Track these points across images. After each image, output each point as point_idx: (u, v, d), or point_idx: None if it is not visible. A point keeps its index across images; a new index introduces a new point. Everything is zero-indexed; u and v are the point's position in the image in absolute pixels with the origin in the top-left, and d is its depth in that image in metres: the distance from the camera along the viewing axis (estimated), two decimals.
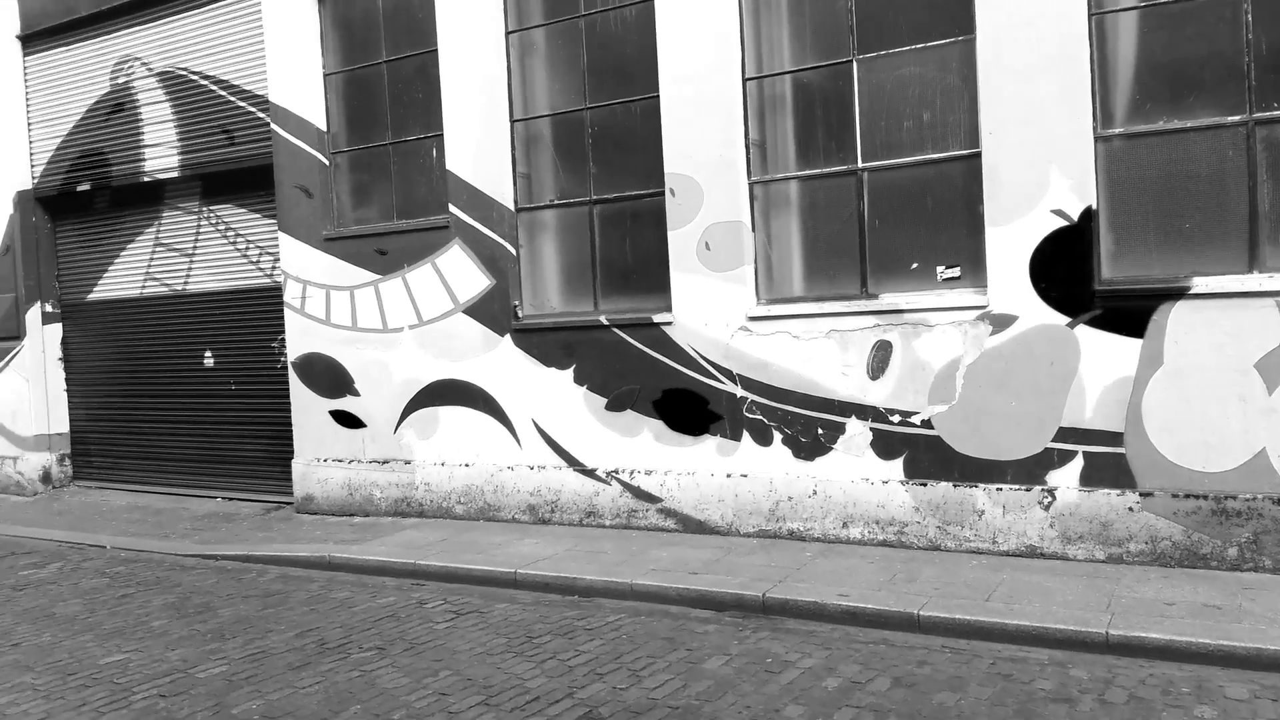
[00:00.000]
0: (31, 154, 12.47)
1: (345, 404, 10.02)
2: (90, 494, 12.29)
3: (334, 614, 6.82)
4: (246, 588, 7.71)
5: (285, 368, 10.82)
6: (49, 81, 12.25)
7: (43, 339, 12.59)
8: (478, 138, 9.07)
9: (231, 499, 11.33)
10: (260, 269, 10.98)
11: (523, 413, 9.00)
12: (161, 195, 11.62)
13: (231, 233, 11.16)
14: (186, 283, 11.56)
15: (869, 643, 5.62)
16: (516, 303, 9.03)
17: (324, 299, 10.06)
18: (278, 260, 10.78)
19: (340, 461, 10.07)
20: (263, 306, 10.98)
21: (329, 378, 10.06)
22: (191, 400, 11.67)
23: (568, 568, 7.37)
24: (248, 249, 11.06)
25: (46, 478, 12.57)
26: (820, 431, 7.61)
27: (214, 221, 11.28)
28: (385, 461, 9.80)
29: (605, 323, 8.51)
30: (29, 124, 12.46)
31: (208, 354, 11.49)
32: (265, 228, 10.89)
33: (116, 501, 11.74)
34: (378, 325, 9.76)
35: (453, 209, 9.23)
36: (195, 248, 11.46)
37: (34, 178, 12.47)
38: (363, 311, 9.84)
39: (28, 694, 5.50)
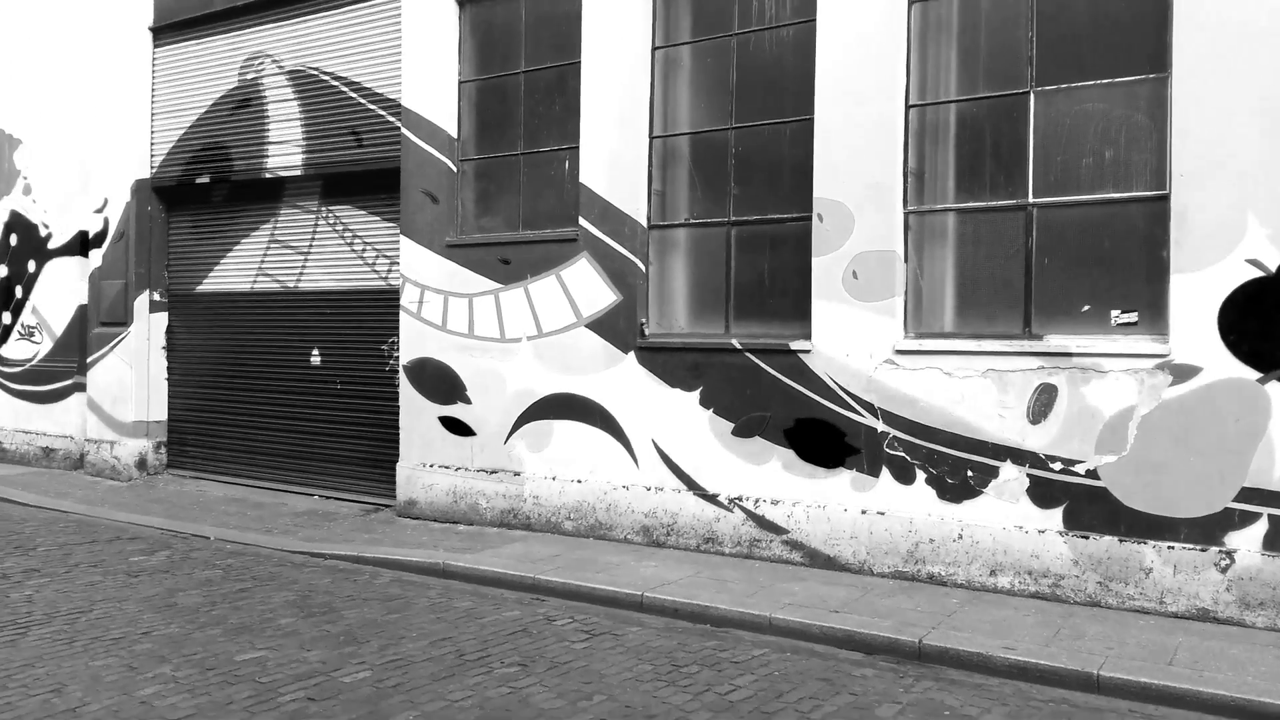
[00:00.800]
0: (153, 144, 12.60)
1: (455, 411, 9.90)
2: (185, 483, 12.29)
3: (462, 624, 6.64)
4: (364, 590, 7.57)
5: (393, 371, 10.76)
6: (176, 74, 12.39)
7: (148, 327, 12.66)
8: (614, 152, 8.95)
9: (328, 498, 11.25)
10: (375, 271, 10.94)
11: (642, 432, 8.81)
12: (281, 193, 11.65)
13: (349, 233, 11.15)
14: (299, 280, 11.56)
15: (1048, 701, 5.31)
16: (643, 320, 8.87)
17: (441, 305, 9.98)
18: (394, 263, 10.74)
19: (447, 468, 9.94)
20: (374, 309, 10.94)
21: (440, 383, 9.96)
22: (294, 397, 11.64)
23: (697, 595, 7.14)
24: (364, 250, 11.03)
25: (142, 464, 12.59)
26: (970, 474, 7.32)
27: (332, 221, 11.28)
28: (494, 471, 9.65)
29: (738, 346, 8.31)
30: (152, 114, 12.60)
31: (315, 353, 11.46)
32: (384, 231, 10.85)
33: (213, 492, 11.72)
34: (495, 334, 9.65)
35: (582, 222, 9.11)
36: (311, 246, 11.46)
37: (152, 167, 12.59)
38: (480, 319, 9.74)
39: (170, 686, 5.36)
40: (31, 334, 13.77)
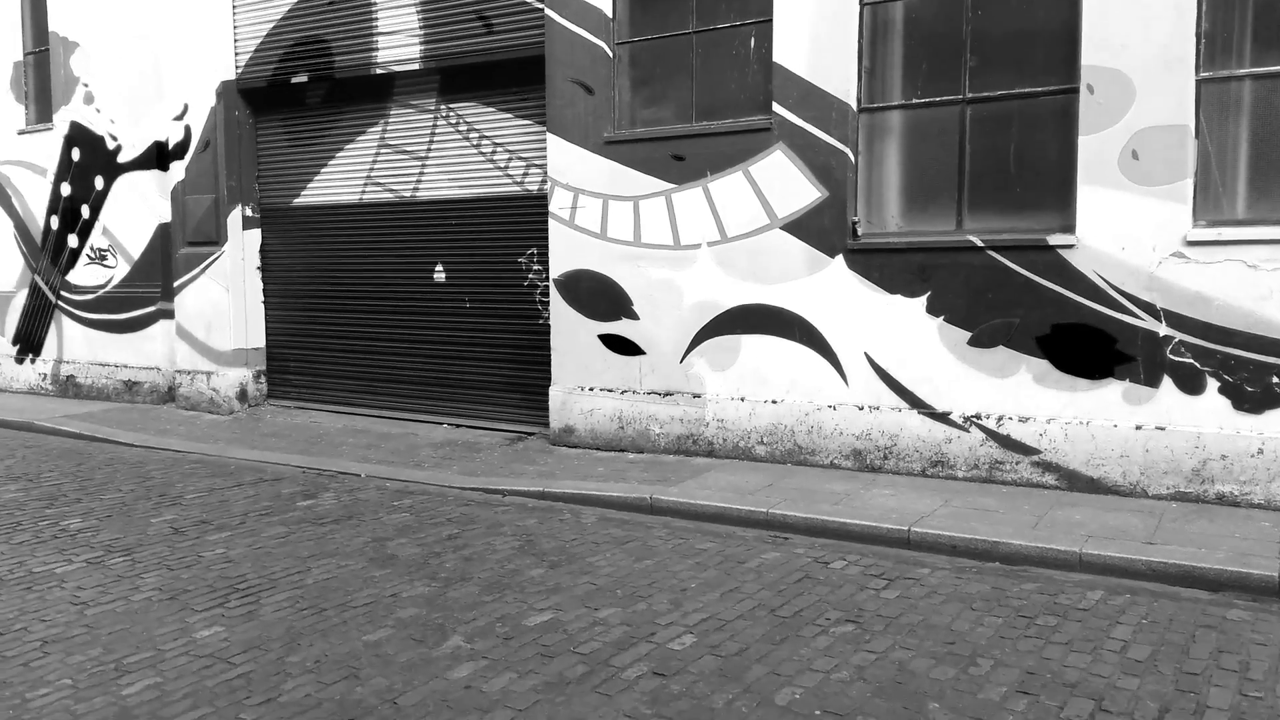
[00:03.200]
0: (236, 40, 11.33)
1: (619, 328, 8.91)
2: (293, 415, 11.36)
3: (733, 570, 5.76)
4: (583, 532, 6.69)
5: (533, 285, 9.75)
6: None
7: (243, 245, 11.58)
8: (816, 24, 7.79)
9: (460, 426, 10.34)
10: (509, 175, 9.83)
11: (852, 345, 7.84)
12: (390, 91, 10.46)
13: (475, 134, 10.00)
14: (417, 189, 10.45)
15: None
16: (855, 218, 7.82)
17: (599, 210, 8.91)
18: (531, 165, 9.64)
19: (610, 391, 8.99)
20: (509, 217, 9.87)
21: (601, 298, 8.95)
22: (415, 318, 10.64)
23: (975, 529, 6.26)
24: (494, 153, 9.90)
25: (242, 395, 11.65)
26: (1276, 380, 6.38)
27: (454, 121, 10.12)
28: (668, 393, 8.70)
29: (979, 244, 7.29)
30: (234, 7, 11.30)
31: (439, 268, 10.41)
32: (518, 129, 9.71)
33: (328, 424, 10.80)
34: (667, 241, 8.60)
35: (777, 108, 8.00)
36: (429, 150, 10.32)
37: (237, 67, 11.35)
38: (649, 225, 8.68)
39: (483, 665, 4.44)
40: (103, 257, 12.68)
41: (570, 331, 9.17)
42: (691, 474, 7.91)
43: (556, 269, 9.18)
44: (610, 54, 8.76)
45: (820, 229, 7.90)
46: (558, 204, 9.11)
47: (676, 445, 8.68)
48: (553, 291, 9.22)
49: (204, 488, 8.12)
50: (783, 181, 8.02)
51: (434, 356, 10.54)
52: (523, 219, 9.75)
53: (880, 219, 7.87)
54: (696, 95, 8.51)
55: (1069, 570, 5.79)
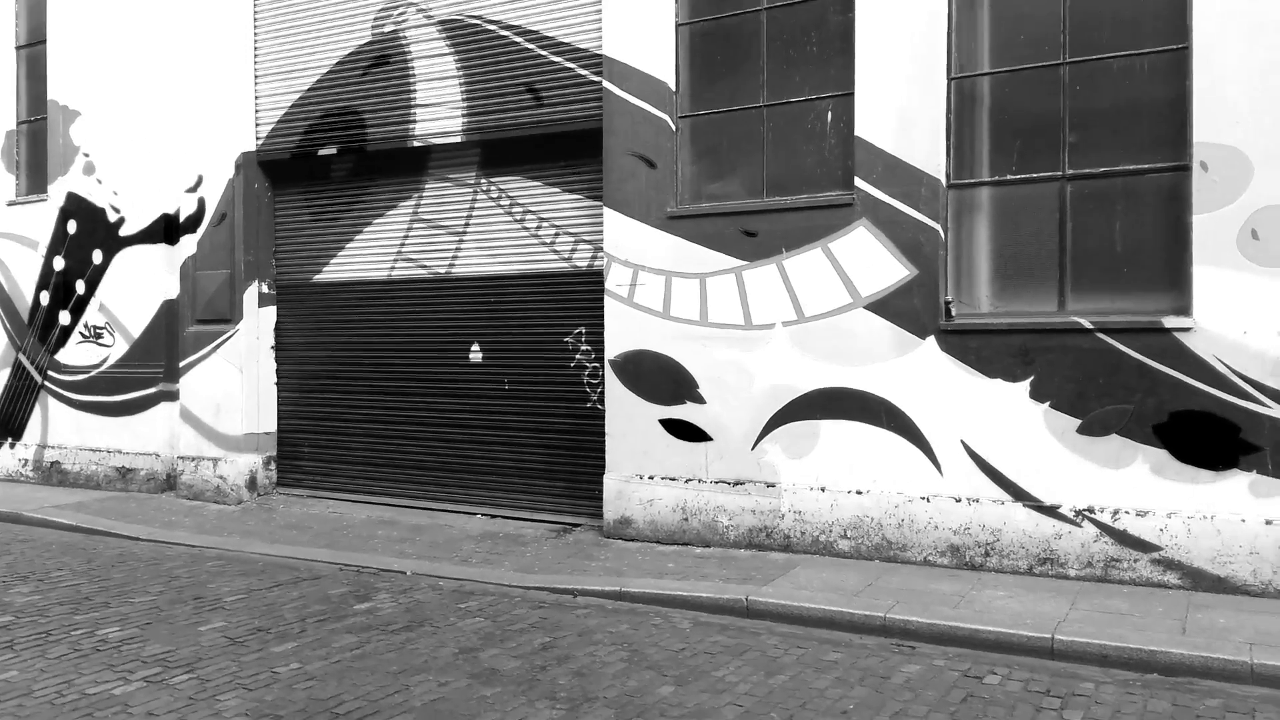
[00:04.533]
0: (257, 111, 10.83)
1: (683, 412, 8.39)
2: (308, 504, 10.59)
3: (884, 689, 5.18)
4: (688, 640, 6.06)
5: (580, 366, 9.22)
6: (285, 26, 10.64)
7: (258, 324, 10.92)
8: (903, 97, 7.51)
9: (496, 516, 9.66)
10: (555, 251, 9.36)
11: (947, 432, 7.40)
12: (425, 164, 10.00)
13: (518, 208, 9.54)
14: (452, 265, 9.93)
15: None
16: (949, 298, 7.45)
17: (662, 287, 8.45)
18: (580, 241, 9.19)
19: (672, 480, 8.42)
20: (555, 294, 9.37)
21: (662, 380, 8.44)
22: (448, 400, 10.01)
23: (1121, 636, 5.76)
24: (539, 228, 9.44)
25: (252, 483, 10.86)
26: None
27: (495, 195, 9.66)
28: (738, 483, 8.16)
29: (1087, 326, 6.93)
30: (256, 77, 10.83)
31: (475, 347, 9.84)
32: (565, 203, 9.28)
33: (350, 514, 10.05)
34: (738, 320, 8.15)
35: (859, 183, 7.66)
36: (467, 225, 9.83)
37: (258, 138, 10.83)
38: (717, 303, 8.23)
39: None
40: (99, 336, 11.91)
41: (627, 416, 8.63)
42: (778, 571, 7.34)
43: (612, 349, 8.66)
44: (673, 127, 8.41)
45: (909, 309, 7.51)
46: (615, 281, 8.64)
47: (748, 538, 8.11)
48: (607, 373, 8.69)
49: (240, 588, 7.36)
50: (866, 259, 7.64)
51: (467, 441, 9.90)
52: (570, 296, 9.26)
53: (971, 298, 7.50)
54: (768, 169, 8.16)
55: (1240, 683, 5.30)
